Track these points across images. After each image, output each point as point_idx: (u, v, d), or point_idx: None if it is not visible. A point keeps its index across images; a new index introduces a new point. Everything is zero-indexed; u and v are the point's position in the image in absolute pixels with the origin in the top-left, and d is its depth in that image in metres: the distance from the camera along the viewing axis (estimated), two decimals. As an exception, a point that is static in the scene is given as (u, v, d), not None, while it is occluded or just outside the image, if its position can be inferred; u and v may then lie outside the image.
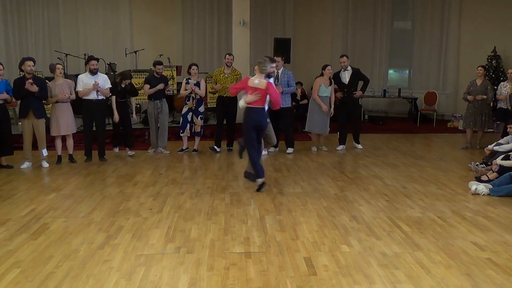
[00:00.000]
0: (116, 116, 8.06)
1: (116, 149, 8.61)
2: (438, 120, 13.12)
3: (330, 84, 8.85)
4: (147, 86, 8.35)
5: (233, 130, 9.17)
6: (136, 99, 10.35)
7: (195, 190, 6.25)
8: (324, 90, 8.80)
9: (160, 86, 8.43)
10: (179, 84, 10.58)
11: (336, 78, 9.24)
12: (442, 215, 5.28)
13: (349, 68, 9.18)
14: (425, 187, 6.48)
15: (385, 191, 6.29)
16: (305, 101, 9.69)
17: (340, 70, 9.26)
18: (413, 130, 12.06)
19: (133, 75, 10.27)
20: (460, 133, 11.00)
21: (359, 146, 9.31)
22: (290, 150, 8.85)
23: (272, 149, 8.95)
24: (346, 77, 9.16)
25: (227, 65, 8.79)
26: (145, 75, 10.19)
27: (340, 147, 9.39)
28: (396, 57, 14.83)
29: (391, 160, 8.29)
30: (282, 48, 11.15)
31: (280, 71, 8.70)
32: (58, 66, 7.69)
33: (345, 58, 9.16)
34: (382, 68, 14.63)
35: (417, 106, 13.47)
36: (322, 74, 8.92)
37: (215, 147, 8.94)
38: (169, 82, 9.19)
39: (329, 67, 8.86)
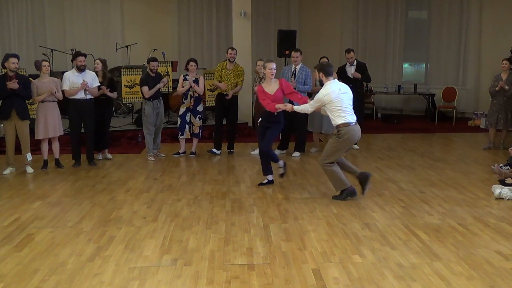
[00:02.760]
0: (104, 88, 8.06)
1: (99, 156, 8.57)
2: (458, 118, 13.09)
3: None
4: (146, 89, 8.31)
5: (234, 130, 9.18)
6: (128, 98, 10.38)
7: (193, 197, 6.25)
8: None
9: (161, 83, 8.39)
10: (174, 81, 10.59)
11: (341, 72, 9.28)
12: (463, 222, 5.26)
13: (354, 63, 9.31)
14: (444, 192, 6.46)
15: (400, 196, 6.27)
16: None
17: (346, 64, 9.34)
18: (431, 129, 12.04)
19: (125, 71, 10.32)
20: (482, 132, 10.96)
21: (355, 146, 9.32)
22: (296, 154, 8.83)
23: (277, 152, 8.94)
24: (351, 71, 9.28)
25: (229, 60, 8.79)
26: (137, 71, 10.21)
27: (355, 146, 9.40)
28: (411, 49, 14.81)
29: (407, 162, 8.28)
30: (287, 41, 11.14)
31: (298, 67, 8.65)
32: (44, 63, 7.71)
33: (352, 53, 9.32)
34: (396, 62, 14.61)
35: (435, 103, 13.44)
36: None
37: (214, 150, 8.94)
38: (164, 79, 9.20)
39: (324, 59, 8.92)
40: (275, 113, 6.45)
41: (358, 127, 5.89)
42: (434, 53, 14.29)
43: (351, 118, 5.81)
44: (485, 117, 10.21)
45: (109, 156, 8.59)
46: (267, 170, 6.74)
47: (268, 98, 6.48)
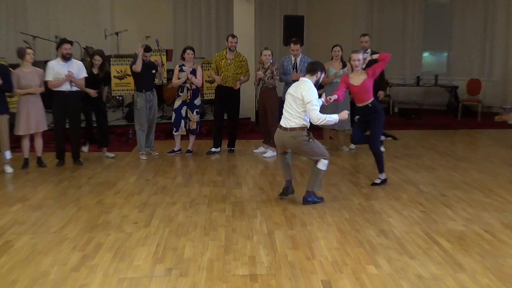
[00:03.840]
0: (92, 91, 8.08)
1: (85, 148, 8.61)
2: (484, 113, 13.04)
3: (343, 67, 8.83)
4: (135, 66, 8.23)
5: (236, 126, 9.16)
6: (119, 90, 10.37)
7: (190, 200, 6.24)
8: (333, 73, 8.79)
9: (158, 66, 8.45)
10: (169, 72, 10.57)
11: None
12: (490, 228, 5.23)
13: (369, 50, 9.13)
14: (469, 195, 6.43)
15: (420, 199, 6.25)
16: (322, 91, 9.67)
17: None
18: (453, 125, 12.01)
19: (115, 61, 10.31)
20: (511, 129, 10.92)
21: (352, 146, 9.27)
22: (327, 162, 8.70)
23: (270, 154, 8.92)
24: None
25: (230, 49, 8.76)
26: (128, 61, 10.18)
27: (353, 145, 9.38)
28: (431, 37, 14.76)
29: (427, 162, 8.25)
30: (294, 28, 11.12)
31: (298, 59, 8.75)
32: (28, 50, 7.69)
33: (367, 37, 9.16)
34: (415, 51, 14.59)
35: (458, 96, 13.41)
36: (332, 58, 9.06)
37: (213, 149, 8.92)
38: (158, 69, 9.18)
39: (336, 48, 8.96)
40: (369, 104, 6.63)
41: (279, 131, 6.07)
42: (457, 41, 14.25)
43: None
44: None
45: (110, 155, 8.60)
46: (382, 167, 6.85)
47: (342, 90, 6.59)
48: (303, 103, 5.79)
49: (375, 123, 6.68)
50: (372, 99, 6.66)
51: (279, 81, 8.55)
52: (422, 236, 5.01)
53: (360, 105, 6.72)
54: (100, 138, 8.56)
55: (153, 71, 8.53)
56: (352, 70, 6.79)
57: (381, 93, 8.82)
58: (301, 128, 5.87)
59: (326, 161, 6.02)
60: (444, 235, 5.04)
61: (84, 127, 8.54)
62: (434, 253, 4.59)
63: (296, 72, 8.58)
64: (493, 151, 9.14)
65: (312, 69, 6.01)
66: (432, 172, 7.60)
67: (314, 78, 5.99)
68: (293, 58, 8.77)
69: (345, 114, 6.01)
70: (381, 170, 6.84)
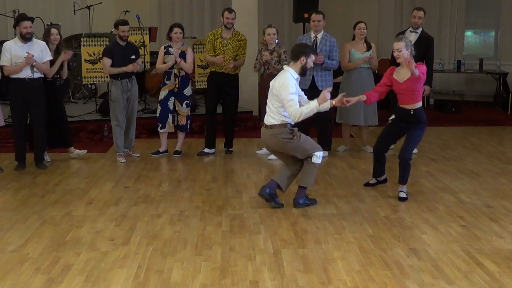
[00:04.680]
0: (65, 72, 8.31)
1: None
2: (539, 106, 13.06)
3: (368, 49, 8.81)
4: (108, 61, 8.31)
5: (233, 122, 9.19)
6: (91, 77, 10.38)
7: (178, 212, 6.26)
8: (357, 58, 8.78)
9: (131, 67, 8.37)
10: (153, 55, 10.59)
11: None
12: (546, 247, 5.26)
13: (419, 30, 8.95)
14: (520, 206, 6.47)
15: (460, 212, 6.26)
16: (340, 78, 9.66)
17: (407, 30, 9.08)
18: (502, 120, 12.01)
19: (86, 41, 10.32)
20: None
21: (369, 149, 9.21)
22: (321, 154, 8.66)
23: (274, 157, 8.94)
24: (411, 40, 9.02)
25: (226, 26, 8.77)
26: (103, 41, 10.22)
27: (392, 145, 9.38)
28: (476, 13, 14.77)
29: (469, 166, 8.27)
30: (306, 1, 11.12)
31: (319, 36, 8.69)
32: None
33: (421, 13, 8.87)
34: (455, 29, 14.57)
35: (508, 84, 13.40)
36: (353, 38, 8.98)
37: (206, 150, 8.95)
38: (140, 51, 9.21)
39: (360, 25, 8.83)
40: (412, 110, 6.47)
41: (262, 128, 6.50)
42: (507, 17, 14.21)
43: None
44: None
45: (79, 152, 8.63)
46: (404, 179, 6.70)
47: (382, 88, 6.57)
48: (279, 98, 6.05)
49: (413, 133, 6.57)
50: (418, 104, 6.52)
51: None
52: (463, 256, 5.02)
53: (402, 106, 6.62)
54: (58, 136, 8.51)
55: (133, 57, 8.50)
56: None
57: (426, 88, 8.59)
58: (281, 125, 6.17)
59: (319, 153, 6.26)
60: (489, 255, 5.05)
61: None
62: (477, 277, 4.60)
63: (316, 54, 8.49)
64: (550, 153, 9.17)
65: (293, 54, 6.25)
66: (475, 179, 7.61)
67: (299, 65, 6.17)
68: (312, 35, 8.70)
69: (324, 95, 6.11)
70: (404, 181, 6.72)
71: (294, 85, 6.10)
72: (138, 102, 9.01)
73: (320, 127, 8.86)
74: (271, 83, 6.26)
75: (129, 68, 8.32)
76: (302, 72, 6.25)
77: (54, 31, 8.10)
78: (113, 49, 8.40)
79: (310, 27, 8.86)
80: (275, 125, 6.19)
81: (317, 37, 8.65)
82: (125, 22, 8.51)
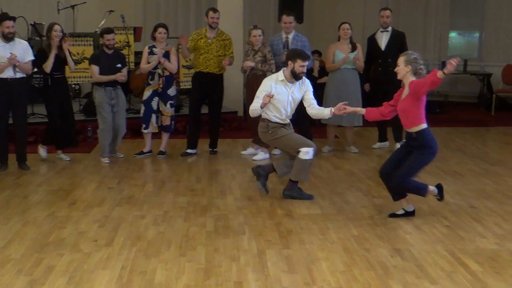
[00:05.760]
0: (71, 63, 8.31)
1: (44, 153, 8.51)
2: (523, 107, 13.16)
3: (353, 50, 8.86)
4: (96, 69, 8.26)
5: (218, 122, 9.19)
6: (75, 77, 10.33)
7: (162, 212, 6.25)
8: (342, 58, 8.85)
9: (119, 76, 8.35)
10: (137, 55, 10.57)
11: (371, 42, 9.29)
12: (529, 247, 5.29)
13: (389, 28, 9.18)
14: (504, 206, 6.49)
15: (444, 212, 6.30)
16: (325, 79, 9.71)
17: (377, 31, 9.29)
18: (486, 121, 12.10)
19: (70, 41, 10.25)
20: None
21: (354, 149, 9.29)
22: (308, 149, 8.71)
23: (277, 151, 8.94)
24: (383, 40, 9.19)
25: (211, 26, 8.77)
26: (87, 41, 10.18)
27: (379, 144, 9.40)
28: (460, 14, 14.85)
29: (453, 167, 8.32)
30: (291, 2, 11.14)
31: (290, 36, 8.78)
32: None
33: (388, 12, 9.21)
34: (440, 29, 14.64)
35: (491, 85, 13.49)
36: (339, 39, 9.06)
37: (188, 150, 8.94)
38: (123, 51, 9.19)
39: (344, 25, 8.92)
40: (414, 134, 5.93)
41: None
42: (491, 18, 14.33)
43: None
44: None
45: (65, 157, 8.56)
46: (397, 195, 6.17)
47: (388, 105, 6.22)
48: None
49: (412, 158, 5.98)
50: (420, 127, 5.92)
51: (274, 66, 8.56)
52: (446, 256, 5.05)
53: (405, 130, 6.11)
54: (65, 136, 8.47)
55: (119, 65, 8.46)
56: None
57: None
58: (263, 119, 6.74)
59: (307, 149, 6.44)
60: (472, 255, 5.07)
61: (46, 124, 8.50)
62: (460, 277, 4.62)
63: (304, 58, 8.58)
64: (533, 153, 9.23)
65: (285, 59, 6.78)
66: (459, 179, 7.67)
67: (289, 69, 6.56)
68: (284, 35, 8.83)
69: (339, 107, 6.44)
70: (395, 198, 6.20)
71: (269, 85, 6.60)
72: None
73: (298, 127, 8.89)
74: None
75: (118, 76, 8.32)
76: (294, 76, 6.55)
77: (57, 27, 8.04)
78: (100, 57, 8.40)
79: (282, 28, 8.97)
80: (262, 119, 6.72)
81: (288, 37, 8.78)
82: (109, 31, 8.48)
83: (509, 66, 13.43)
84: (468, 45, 15.35)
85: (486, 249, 5.23)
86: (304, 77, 6.78)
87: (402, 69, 5.90)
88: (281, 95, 6.58)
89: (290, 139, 6.65)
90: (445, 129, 11.23)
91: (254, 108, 6.56)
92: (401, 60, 5.92)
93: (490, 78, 13.53)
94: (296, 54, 6.60)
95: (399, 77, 6.00)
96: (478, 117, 12.46)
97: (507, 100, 13.35)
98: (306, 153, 6.44)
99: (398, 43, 9.11)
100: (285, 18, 8.81)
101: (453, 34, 15.19)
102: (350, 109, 6.49)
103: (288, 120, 6.81)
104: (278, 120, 6.66)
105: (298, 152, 6.49)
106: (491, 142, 10.24)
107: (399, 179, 5.92)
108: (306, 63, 6.58)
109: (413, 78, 5.86)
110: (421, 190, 6.03)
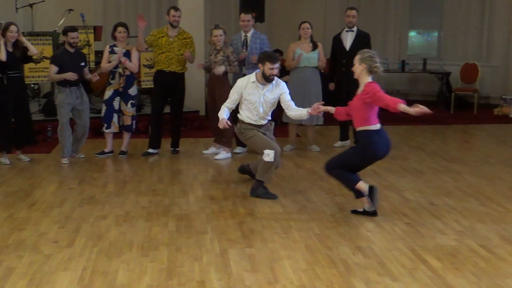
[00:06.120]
0: (32, 48, 8.15)
1: (5, 159, 8.35)
2: (481, 105, 13.34)
3: (314, 48, 8.92)
4: (54, 69, 8.12)
5: (180, 122, 9.18)
6: (34, 76, 10.20)
7: (124, 213, 6.21)
8: (303, 57, 8.90)
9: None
10: (98, 54, 10.47)
11: (336, 42, 9.35)
12: (487, 243, 5.36)
13: (354, 28, 9.24)
14: (462, 203, 6.58)
15: (404, 209, 6.36)
16: (286, 78, 9.74)
17: (343, 30, 9.36)
18: (445, 119, 12.25)
19: (29, 40, 10.07)
20: (512, 124, 11.20)
21: (316, 148, 9.37)
22: (269, 152, 8.69)
23: (239, 149, 8.94)
24: (348, 40, 9.26)
25: (172, 25, 8.74)
26: (46, 40, 10.05)
27: (340, 143, 9.46)
28: (419, 14, 15.01)
29: (413, 164, 8.41)
30: (252, 2, 11.15)
31: (249, 34, 8.84)
32: None
33: (354, 11, 9.30)
34: (399, 29, 14.78)
35: (450, 84, 13.66)
36: (300, 38, 9.12)
37: (150, 150, 8.90)
38: (83, 50, 9.10)
39: (304, 25, 8.99)
40: (358, 133, 6.16)
41: None
42: (449, 18, 14.51)
43: None
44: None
45: (25, 158, 8.44)
46: (351, 185, 6.16)
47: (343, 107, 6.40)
48: None
49: (348, 150, 6.47)
50: (364, 128, 5.98)
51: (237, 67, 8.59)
52: (407, 253, 5.09)
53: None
54: (22, 134, 8.35)
55: (82, 63, 8.41)
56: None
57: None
58: (238, 121, 7.03)
59: (268, 151, 6.58)
60: (432, 252, 5.13)
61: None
62: (421, 273, 4.67)
63: (246, 50, 8.63)
64: (491, 151, 9.38)
65: (257, 61, 6.93)
66: (419, 177, 7.75)
67: (260, 71, 6.74)
68: (243, 34, 8.87)
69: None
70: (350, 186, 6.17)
71: (239, 86, 6.92)
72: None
73: None
74: None
75: (68, 75, 8.13)
76: (265, 78, 6.71)
77: (13, 28, 7.87)
78: (62, 57, 8.27)
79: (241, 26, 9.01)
80: (238, 120, 7.05)
81: (247, 35, 8.84)
82: (74, 29, 8.40)
83: (467, 65, 13.59)
84: (427, 44, 15.53)
85: (446, 245, 5.29)
86: (278, 79, 6.90)
87: (357, 67, 5.97)
88: (252, 96, 6.80)
89: (255, 141, 6.86)
90: (405, 127, 11.33)
91: (221, 111, 6.95)
92: (356, 58, 5.99)
93: (449, 77, 13.67)
94: (265, 57, 6.71)
95: (355, 76, 6.04)
96: (437, 115, 12.56)
97: (466, 99, 13.53)
98: (267, 155, 6.55)
99: (363, 44, 8.90)
100: (242, 16, 8.88)
101: (412, 34, 15.37)
102: (322, 108, 6.55)
103: (263, 122, 6.95)
104: (250, 121, 6.89)
105: (262, 153, 6.61)
106: (450, 140, 10.37)
107: (326, 166, 6.28)
108: (276, 65, 6.65)
109: (368, 77, 5.94)
110: (349, 182, 6.11)
